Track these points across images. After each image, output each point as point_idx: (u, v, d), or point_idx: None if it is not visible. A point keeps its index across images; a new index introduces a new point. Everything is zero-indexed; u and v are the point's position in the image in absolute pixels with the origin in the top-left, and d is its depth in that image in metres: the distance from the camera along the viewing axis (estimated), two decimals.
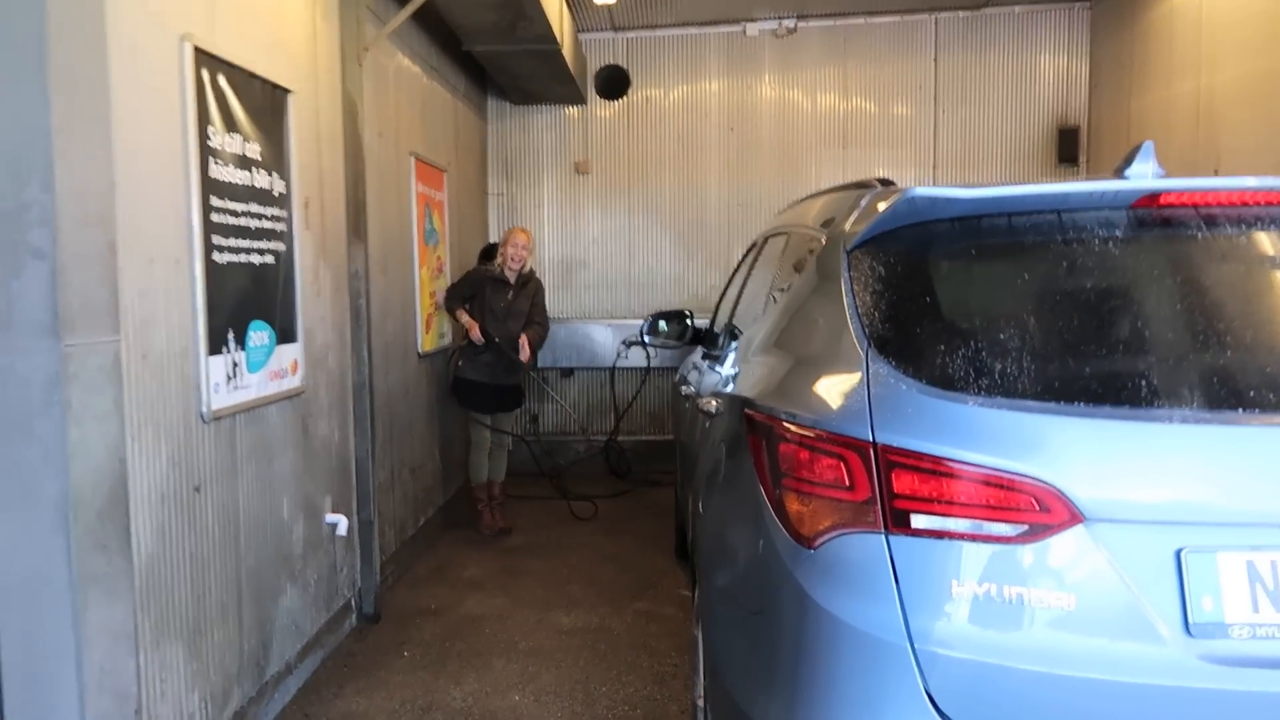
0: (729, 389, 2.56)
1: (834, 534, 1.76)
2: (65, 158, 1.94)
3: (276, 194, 3.37)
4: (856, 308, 1.95)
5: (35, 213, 1.91)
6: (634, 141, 7.59)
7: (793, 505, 1.85)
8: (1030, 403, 1.66)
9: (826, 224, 2.46)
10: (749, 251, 4.18)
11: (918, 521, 1.67)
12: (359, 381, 4.26)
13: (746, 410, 2.13)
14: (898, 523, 1.68)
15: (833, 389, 1.86)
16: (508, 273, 5.60)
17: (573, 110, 7.55)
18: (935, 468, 1.66)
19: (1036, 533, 1.61)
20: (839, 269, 2.09)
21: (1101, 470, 1.61)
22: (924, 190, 1.95)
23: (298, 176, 3.56)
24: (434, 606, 4.56)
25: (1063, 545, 1.60)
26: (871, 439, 1.72)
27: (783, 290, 2.63)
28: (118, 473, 2.14)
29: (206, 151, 2.89)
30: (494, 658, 3.95)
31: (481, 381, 5.64)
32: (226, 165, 3.01)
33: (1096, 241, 1.86)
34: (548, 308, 5.93)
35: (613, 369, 7.50)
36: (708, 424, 2.82)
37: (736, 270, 4.44)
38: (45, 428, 1.94)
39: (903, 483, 1.68)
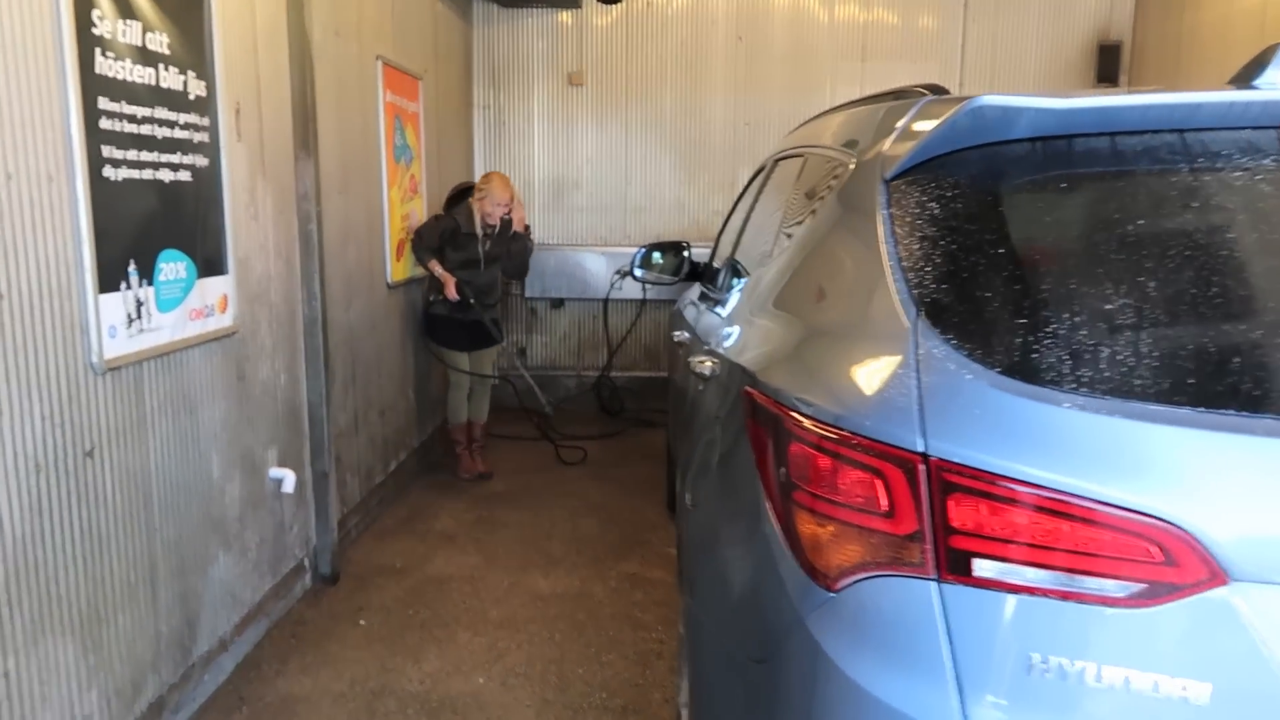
0: (727, 349, 2.06)
1: (863, 575, 1.28)
2: None
3: (194, 97, 2.82)
4: (899, 259, 1.44)
5: None
6: (633, 52, 6.92)
7: (806, 527, 1.37)
8: (1154, 407, 1.16)
9: (852, 145, 1.93)
10: (755, 175, 3.63)
11: (982, 568, 1.19)
12: (310, 316, 3.76)
13: (747, 389, 1.64)
14: (954, 568, 1.21)
15: (865, 372, 1.36)
16: (482, 228, 5.07)
17: (566, 16, 6.87)
18: (1011, 495, 1.18)
19: (1159, 594, 1.14)
20: (873, 204, 1.58)
21: (1259, 512, 1.12)
22: (996, 99, 1.43)
23: (224, 78, 3.00)
24: (399, 565, 4.15)
25: (1197, 614, 1.13)
26: (921, 448, 1.23)
27: (795, 227, 2.12)
28: None
29: (90, 41, 2.34)
30: (460, 629, 3.54)
31: (454, 317, 5.15)
32: (120, 59, 2.46)
33: (1240, 174, 1.34)
34: (533, 235, 5.38)
35: (606, 300, 6.99)
36: (701, 388, 2.33)
37: (741, 197, 3.90)
38: None
39: (963, 513, 1.20)
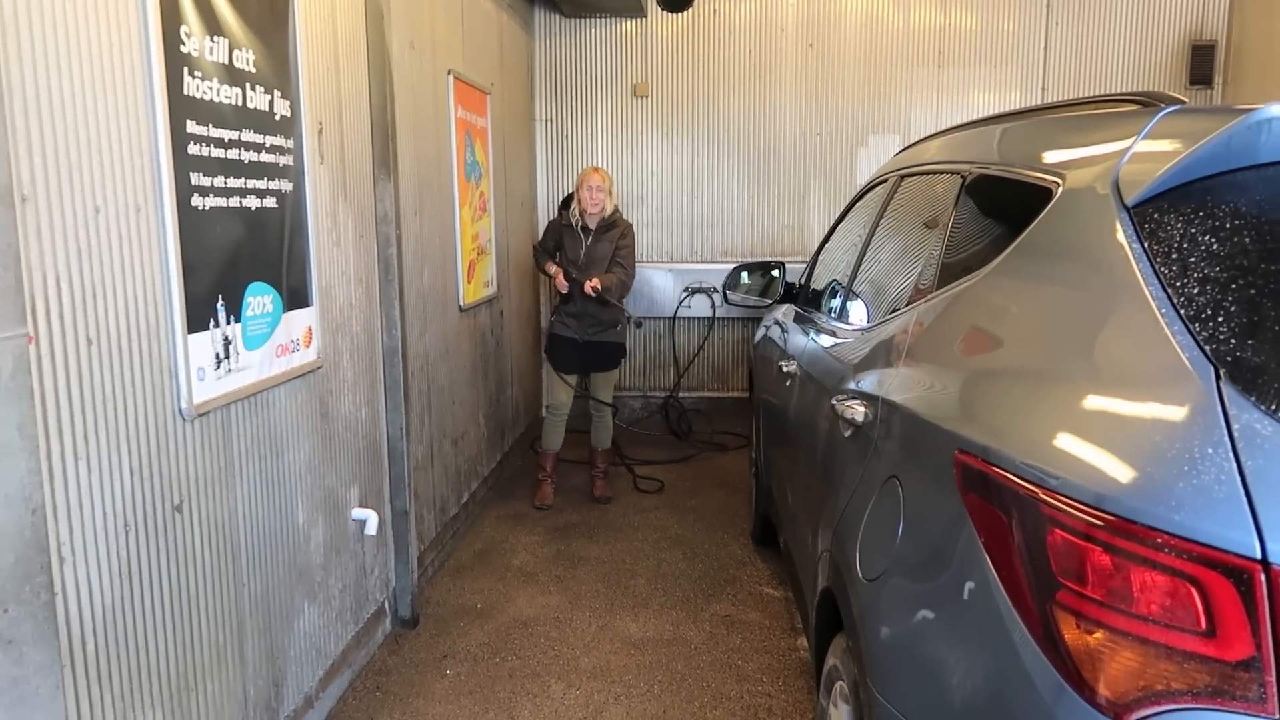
0: (899, 398, 1.80)
1: (1171, 709, 1.03)
2: None
3: (279, 118, 2.64)
4: (1172, 304, 1.18)
5: None
6: (699, 61, 6.70)
7: (1076, 639, 1.12)
8: None
9: (1052, 163, 1.67)
10: (865, 191, 3.37)
11: None
12: (390, 346, 3.57)
13: (964, 457, 1.38)
14: None
15: (1154, 448, 1.11)
16: (587, 219, 4.90)
17: (631, 25, 6.67)
18: None
19: None
20: (1112, 235, 1.33)
21: None
22: None
23: (308, 96, 2.81)
24: (479, 605, 3.93)
25: None
26: (1257, 554, 0.97)
27: (968, 258, 1.86)
28: (29, 529, 1.47)
29: (179, 59, 2.15)
30: (551, 680, 3.31)
31: (569, 337, 4.97)
32: (208, 79, 2.27)
33: None
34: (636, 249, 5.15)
35: (673, 319, 6.76)
36: (849, 434, 2.08)
37: (845, 215, 3.64)
38: None
39: None
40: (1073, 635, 1.13)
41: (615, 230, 4.94)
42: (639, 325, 6.65)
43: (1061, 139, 1.75)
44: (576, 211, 4.94)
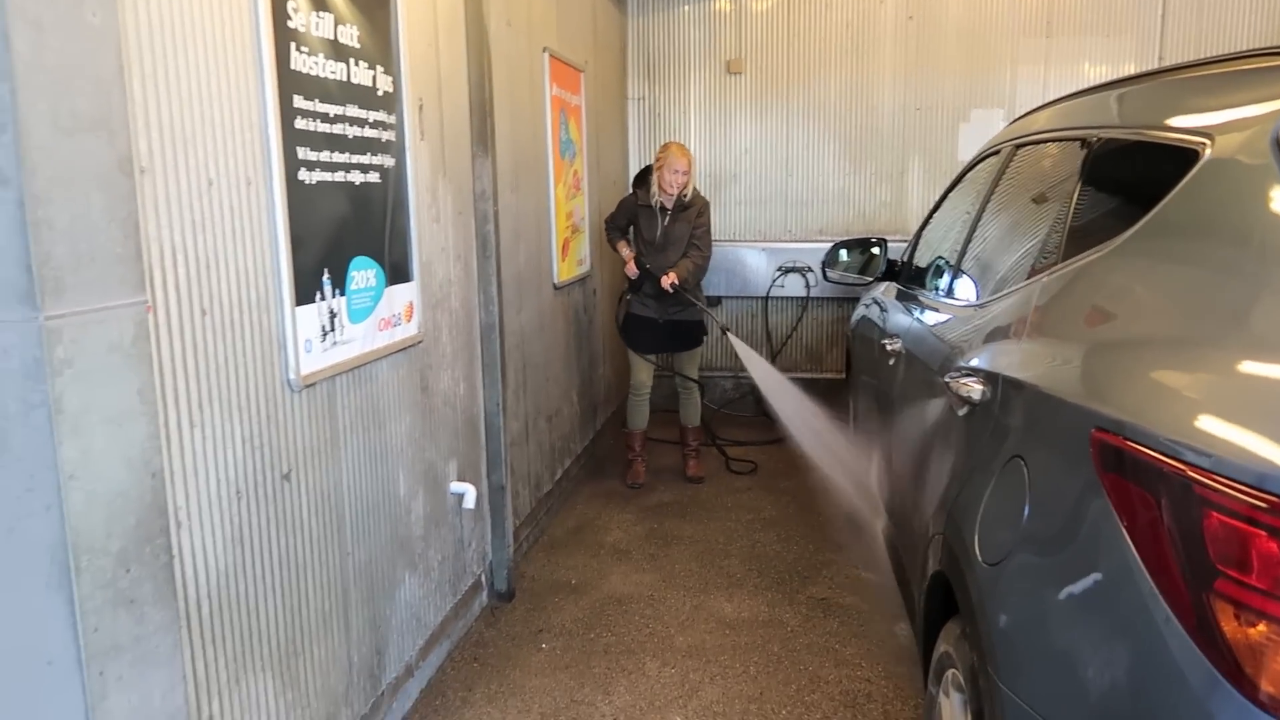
0: (1021, 374, 1.70)
1: None
2: (31, 24, 1.24)
3: (381, 94, 2.65)
4: None
5: None
6: (794, 35, 6.55)
7: (1236, 631, 1.03)
8: None
9: (1213, 125, 1.55)
10: (975, 163, 3.23)
11: None
12: (487, 322, 3.58)
13: (1102, 434, 1.29)
14: None
15: None
16: (664, 198, 4.81)
17: (725, 1, 6.56)
18: None
19: None
20: (1267, 198, 1.21)
21: None
22: None
23: (409, 72, 2.82)
24: (574, 581, 3.94)
25: None
26: None
27: (1100, 229, 1.75)
28: (149, 493, 1.50)
29: (286, 35, 2.17)
30: (646, 658, 3.30)
31: (648, 317, 4.93)
32: (314, 54, 2.30)
33: None
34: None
35: (766, 298, 6.66)
36: (964, 413, 1.99)
37: (951, 189, 3.51)
38: (25, 441, 1.30)
39: None
40: (1232, 627, 1.04)
41: (692, 209, 4.83)
42: (715, 304, 6.56)
43: (1204, 98, 1.62)
44: (655, 190, 4.84)
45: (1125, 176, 1.80)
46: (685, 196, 4.80)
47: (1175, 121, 1.63)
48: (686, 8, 6.61)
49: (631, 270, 4.86)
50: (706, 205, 4.89)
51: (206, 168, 1.90)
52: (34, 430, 1.30)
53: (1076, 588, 1.31)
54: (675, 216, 4.81)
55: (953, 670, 1.84)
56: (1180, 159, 1.53)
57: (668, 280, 4.70)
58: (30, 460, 1.30)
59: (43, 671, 1.36)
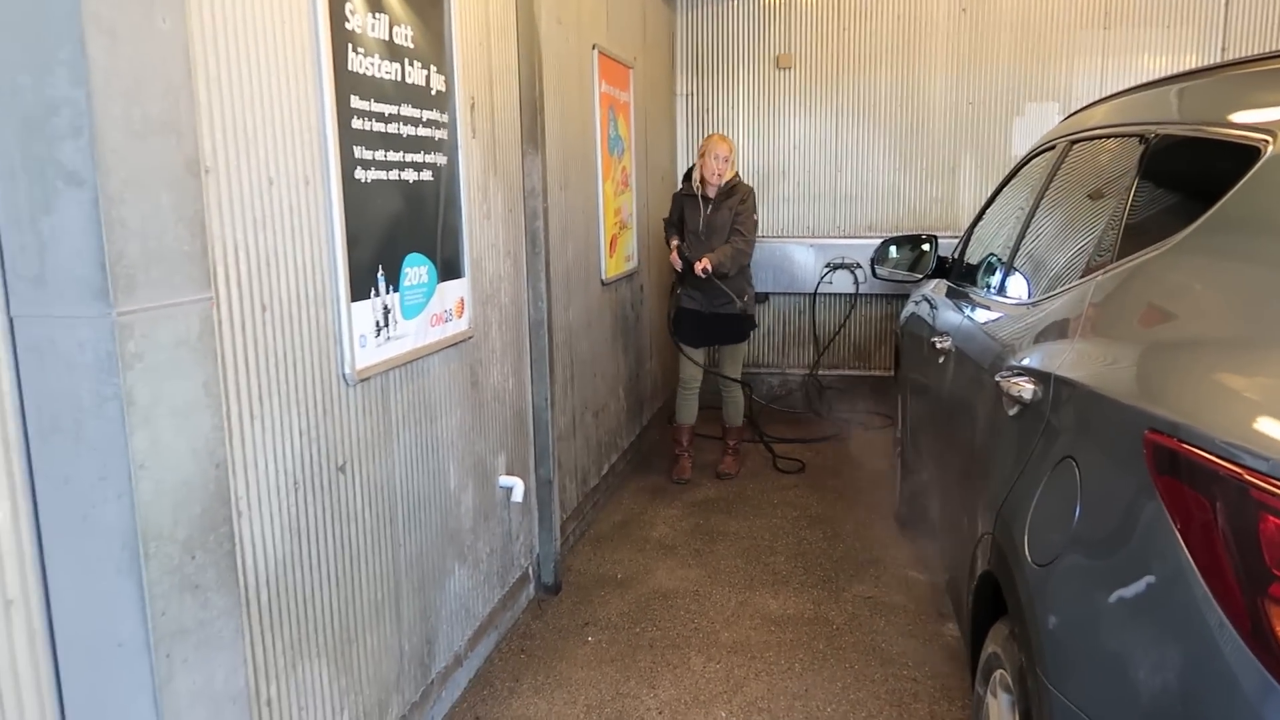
0: (1080, 375, 1.69)
1: None
2: (105, 32, 1.29)
3: (434, 93, 2.70)
4: None
5: (66, 116, 1.28)
6: (844, 30, 6.50)
7: None
8: None
9: (1275, 121, 1.52)
10: (1029, 159, 3.19)
11: None
12: (536, 318, 3.62)
13: (1155, 436, 1.28)
14: None
15: None
16: (707, 187, 4.82)
17: None
18: None
19: None
20: None
21: None
22: None
23: (461, 71, 2.87)
24: (620, 575, 3.97)
25: None
26: None
27: (1160, 228, 1.72)
28: (213, 482, 1.55)
29: (344, 36, 2.22)
30: (692, 653, 3.32)
31: (694, 310, 4.95)
32: (370, 55, 2.34)
33: None
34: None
35: (814, 295, 6.63)
36: (1014, 413, 1.97)
37: (1004, 186, 3.46)
38: (98, 431, 1.35)
39: None
40: None
41: (735, 197, 4.82)
42: (763, 300, 6.53)
43: (1267, 94, 1.59)
44: (697, 180, 4.85)
45: (1184, 173, 1.78)
46: (728, 184, 4.80)
47: (1237, 117, 1.60)
48: (735, 2, 6.60)
49: (675, 261, 4.87)
50: (750, 192, 4.87)
51: (267, 167, 1.95)
52: (107, 421, 1.35)
53: (1128, 590, 1.30)
54: (718, 205, 4.82)
55: (1001, 671, 1.83)
56: (1241, 156, 1.50)
57: (700, 266, 4.69)
58: (103, 450, 1.36)
59: (113, 653, 1.42)
